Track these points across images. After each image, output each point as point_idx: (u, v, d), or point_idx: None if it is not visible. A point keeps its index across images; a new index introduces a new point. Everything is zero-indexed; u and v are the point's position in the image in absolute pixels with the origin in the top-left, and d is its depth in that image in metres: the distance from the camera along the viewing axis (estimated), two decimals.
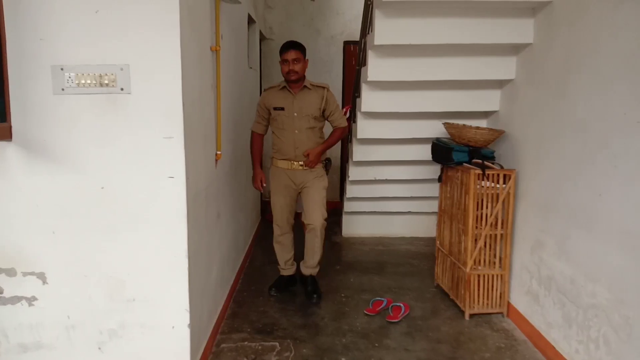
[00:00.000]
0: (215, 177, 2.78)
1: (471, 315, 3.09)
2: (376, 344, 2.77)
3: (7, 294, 2.17)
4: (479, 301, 3.10)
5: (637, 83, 1.98)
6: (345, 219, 4.92)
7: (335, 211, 5.20)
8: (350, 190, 4.58)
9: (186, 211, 2.14)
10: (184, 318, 2.21)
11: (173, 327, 2.22)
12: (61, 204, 2.11)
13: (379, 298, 3.29)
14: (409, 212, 4.75)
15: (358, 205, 4.75)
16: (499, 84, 3.40)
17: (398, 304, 3.18)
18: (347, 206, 4.80)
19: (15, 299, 2.18)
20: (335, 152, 5.86)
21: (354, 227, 4.91)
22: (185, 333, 2.23)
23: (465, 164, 3.13)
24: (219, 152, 2.80)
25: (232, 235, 3.41)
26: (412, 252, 4.45)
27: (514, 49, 3.15)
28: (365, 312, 3.15)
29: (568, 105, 2.48)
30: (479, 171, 2.97)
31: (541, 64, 2.83)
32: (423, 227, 4.83)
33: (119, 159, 2.09)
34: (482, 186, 3.00)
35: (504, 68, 3.21)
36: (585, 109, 2.33)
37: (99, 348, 2.23)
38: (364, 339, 2.83)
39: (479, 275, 3.08)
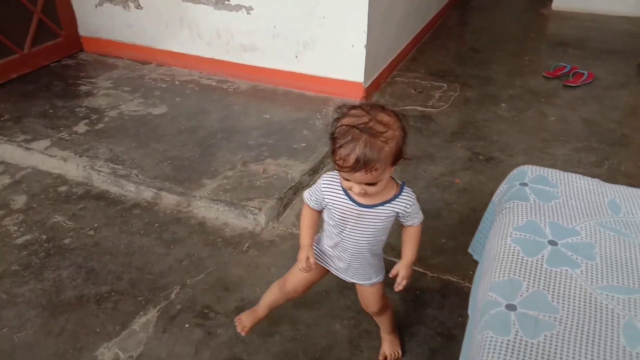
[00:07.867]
0: None
1: None
2: (542, 100, 2.83)
3: (232, 2, 2.76)
4: None
5: None
6: None
7: None
8: None
9: None
10: (362, 39, 2.57)
11: (352, 45, 2.61)
12: None
13: (563, 64, 3.17)
14: None
15: None
16: None
17: (582, 71, 3.05)
18: None
19: (237, 7, 2.77)
20: None
21: None
22: (362, 52, 2.61)
23: None
24: None
25: None
26: (630, 32, 3.93)
27: None
28: (544, 74, 3.12)
29: None
30: None
31: None
32: None
33: None
34: None
35: None
36: None
37: (296, 56, 2.78)
38: (532, 94, 2.89)
39: None
